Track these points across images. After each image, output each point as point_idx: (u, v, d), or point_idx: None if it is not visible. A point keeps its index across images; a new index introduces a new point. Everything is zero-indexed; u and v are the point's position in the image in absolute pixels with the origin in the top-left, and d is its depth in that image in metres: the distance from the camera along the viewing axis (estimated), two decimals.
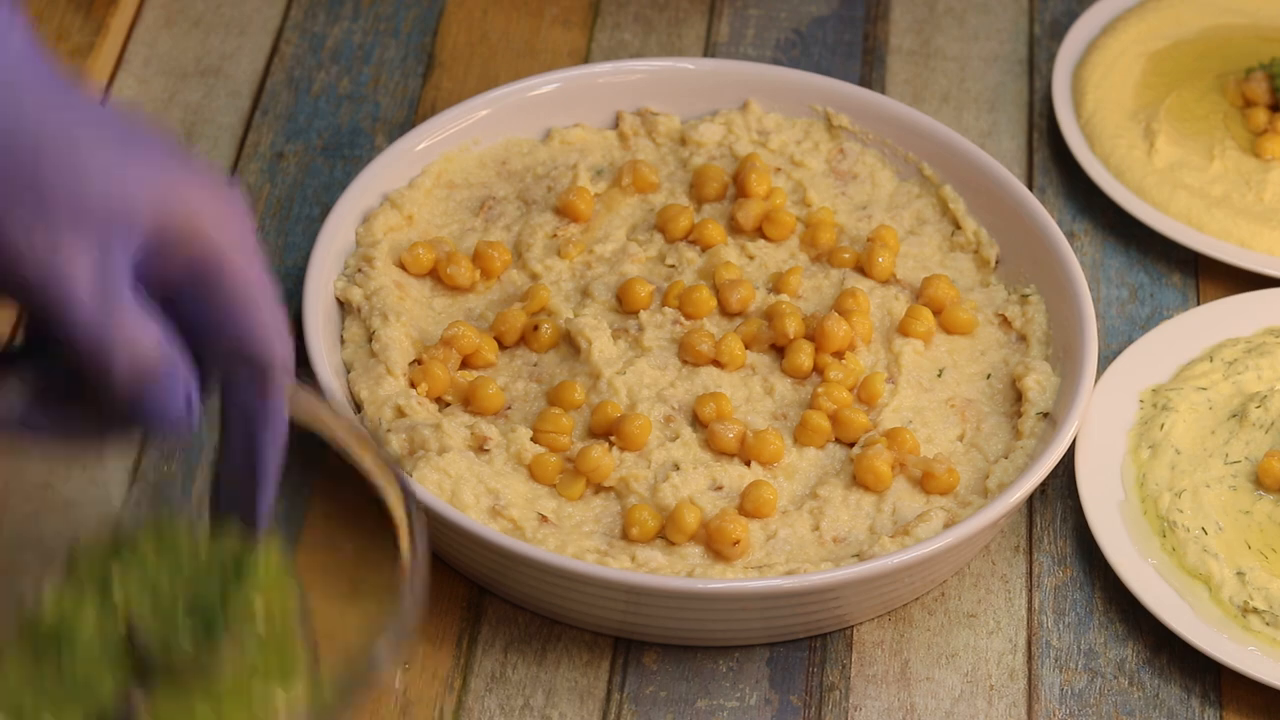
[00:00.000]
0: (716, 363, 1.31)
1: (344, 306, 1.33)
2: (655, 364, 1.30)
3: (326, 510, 1.11)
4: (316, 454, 1.14)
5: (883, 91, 1.54)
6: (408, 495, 1.01)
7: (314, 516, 1.13)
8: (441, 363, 1.29)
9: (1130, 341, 1.37)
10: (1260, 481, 1.28)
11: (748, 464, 1.26)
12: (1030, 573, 1.28)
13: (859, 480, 1.26)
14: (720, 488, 1.25)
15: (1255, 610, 1.23)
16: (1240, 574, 1.24)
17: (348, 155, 1.48)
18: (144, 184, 0.92)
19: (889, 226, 1.38)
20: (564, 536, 1.22)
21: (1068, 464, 1.30)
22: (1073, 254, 1.34)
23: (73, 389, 0.95)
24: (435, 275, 1.35)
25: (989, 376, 1.32)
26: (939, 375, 1.32)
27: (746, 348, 1.31)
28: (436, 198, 1.40)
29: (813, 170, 1.42)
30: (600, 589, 1.19)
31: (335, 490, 1.11)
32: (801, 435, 1.28)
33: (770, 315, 1.32)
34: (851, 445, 1.28)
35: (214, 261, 0.95)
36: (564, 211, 1.39)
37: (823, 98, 1.44)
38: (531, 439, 1.26)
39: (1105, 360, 1.35)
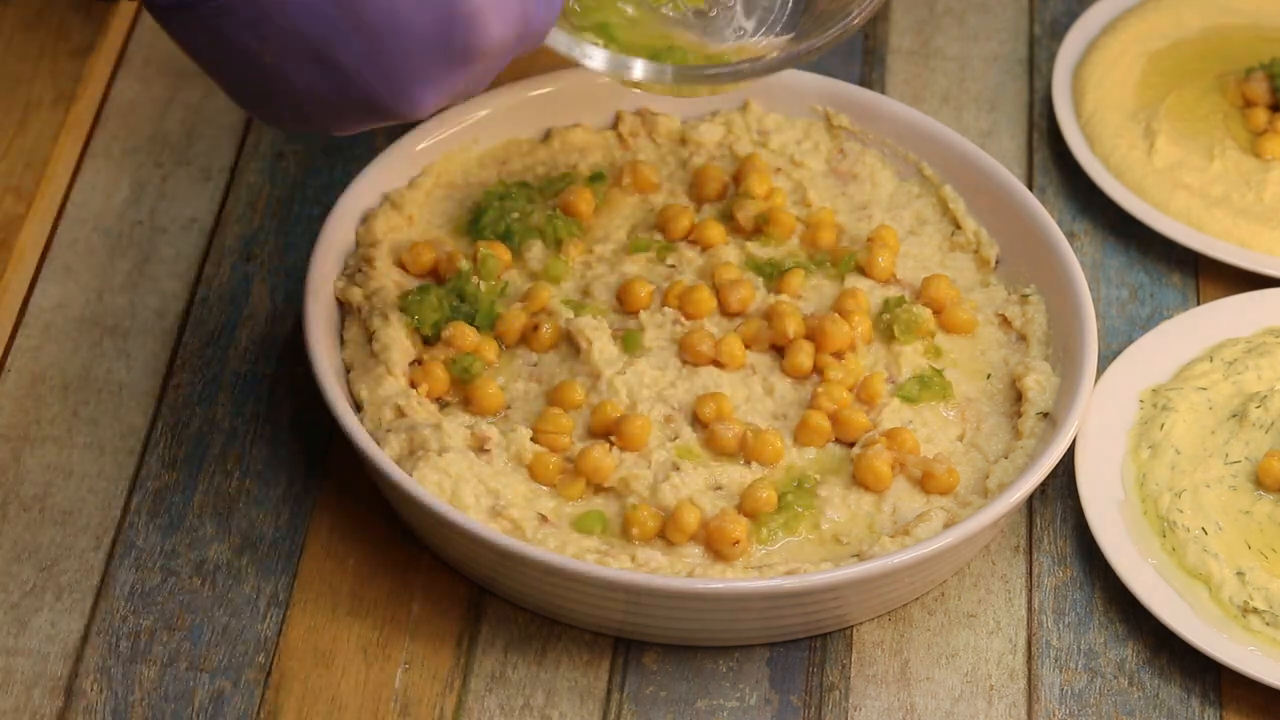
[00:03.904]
0: (716, 363, 1.31)
1: (344, 306, 1.33)
2: (655, 364, 1.30)
3: None
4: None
5: (883, 91, 1.54)
6: None
7: None
8: (442, 363, 1.29)
9: (1130, 341, 1.37)
10: (1260, 481, 1.28)
11: (748, 464, 1.26)
12: (1030, 573, 1.28)
13: (859, 480, 1.26)
14: (720, 488, 1.25)
15: (1255, 610, 1.23)
16: (1240, 574, 1.24)
17: (348, 155, 1.48)
18: None
19: (889, 226, 1.38)
20: (564, 536, 1.22)
21: (1068, 464, 1.30)
22: (1073, 254, 1.34)
23: None
24: (435, 275, 1.35)
25: (989, 376, 1.32)
26: (939, 375, 1.32)
27: (746, 348, 1.31)
28: (436, 198, 1.40)
29: (813, 170, 1.42)
30: (600, 589, 1.19)
31: None
32: (801, 435, 1.28)
33: (770, 315, 1.32)
34: (851, 445, 1.28)
35: None
36: (564, 211, 1.39)
37: (823, 98, 1.44)
38: (531, 439, 1.26)
39: (1105, 360, 1.35)
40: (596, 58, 1.27)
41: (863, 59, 1.56)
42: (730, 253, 1.36)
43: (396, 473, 1.22)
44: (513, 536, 1.21)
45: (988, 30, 1.59)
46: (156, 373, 1.35)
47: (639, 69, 1.28)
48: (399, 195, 1.38)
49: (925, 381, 1.30)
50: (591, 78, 1.44)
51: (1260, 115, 1.48)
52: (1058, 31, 1.58)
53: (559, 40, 1.25)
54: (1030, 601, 1.26)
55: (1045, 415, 1.29)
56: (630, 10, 1.33)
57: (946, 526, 1.23)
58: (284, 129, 1.15)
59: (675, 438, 1.27)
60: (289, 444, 1.32)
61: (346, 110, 1.10)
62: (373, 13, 1.06)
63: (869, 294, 1.35)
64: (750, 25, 1.35)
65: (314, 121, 1.12)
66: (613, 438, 1.27)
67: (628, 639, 1.24)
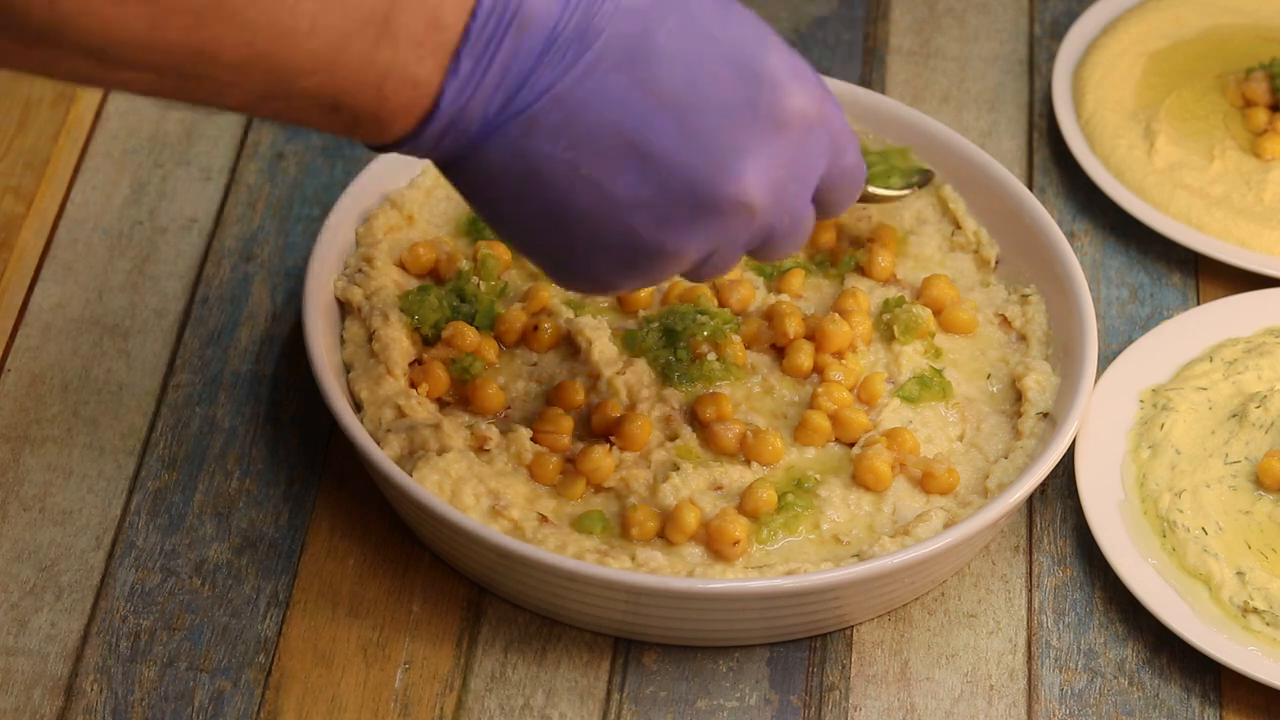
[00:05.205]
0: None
1: (344, 306, 1.33)
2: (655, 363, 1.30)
3: None
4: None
5: (883, 91, 1.54)
6: None
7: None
8: (442, 363, 1.29)
9: (1130, 341, 1.37)
10: (1260, 481, 1.28)
11: (748, 464, 1.26)
12: (1030, 573, 1.28)
13: (859, 480, 1.26)
14: (720, 488, 1.25)
15: (1255, 610, 1.23)
16: (1240, 574, 1.24)
17: (348, 155, 1.48)
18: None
19: (889, 226, 1.38)
20: (564, 536, 1.22)
21: (1068, 464, 1.30)
22: (1073, 254, 1.34)
23: None
24: (435, 275, 1.35)
25: (989, 376, 1.32)
26: (939, 375, 1.32)
27: (746, 348, 1.31)
28: (436, 198, 1.40)
29: None
30: (600, 589, 1.19)
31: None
32: (801, 435, 1.28)
33: (770, 315, 1.32)
34: (851, 445, 1.28)
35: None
36: None
37: None
38: (531, 439, 1.26)
39: (1105, 360, 1.35)
40: None
41: (863, 59, 1.56)
42: None
43: (396, 473, 1.21)
44: (513, 536, 1.21)
45: (988, 30, 1.59)
46: (156, 373, 1.35)
47: None
48: (399, 195, 1.38)
49: (925, 381, 1.30)
50: None
51: (1260, 115, 1.48)
52: (1058, 31, 1.58)
53: None
54: (1030, 601, 1.26)
55: (1045, 415, 1.29)
56: None
57: (946, 526, 1.23)
58: (606, 281, 1.08)
59: (675, 438, 1.27)
60: (289, 444, 1.32)
61: (671, 209, 1.04)
62: (675, 84, 1.02)
63: (869, 294, 1.35)
64: None
65: (640, 242, 1.05)
66: (612, 438, 1.27)
67: (628, 639, 1.24)
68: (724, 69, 1.03)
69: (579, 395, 1.28)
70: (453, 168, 1.04)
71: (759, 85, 1.04)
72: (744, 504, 1.24)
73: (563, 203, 1.03)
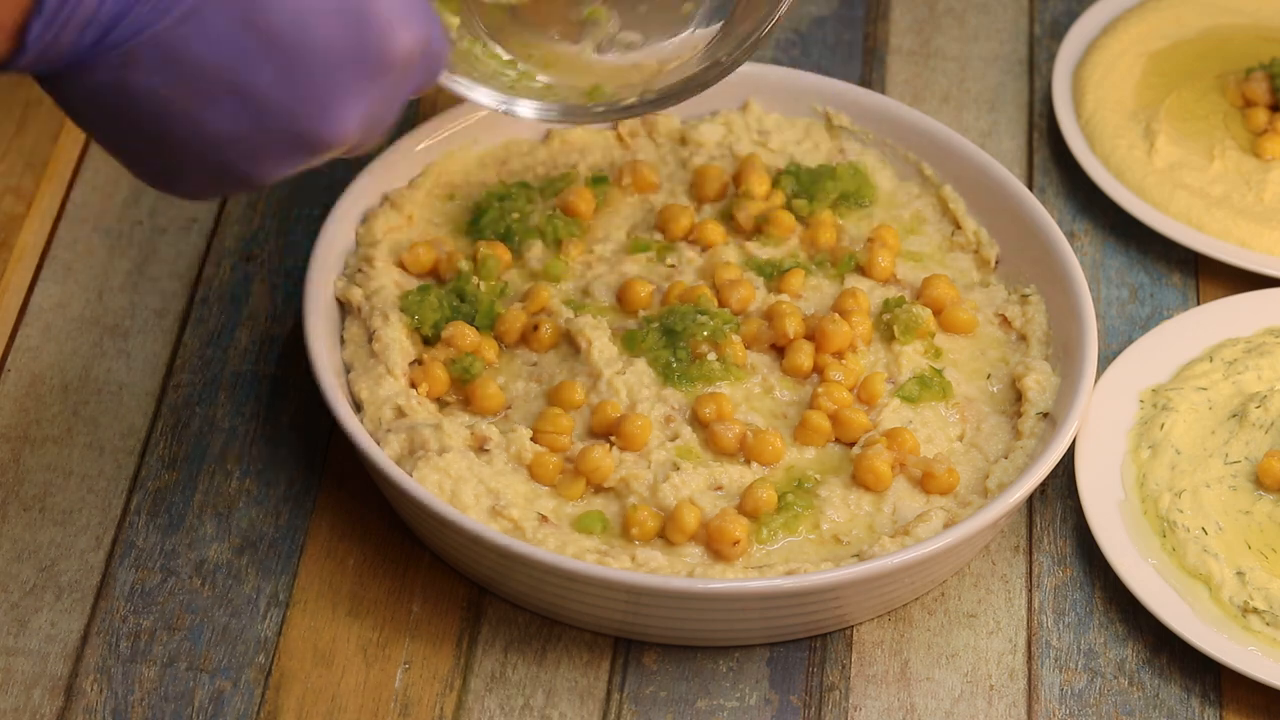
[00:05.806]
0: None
1: (344, 306, 1.33)
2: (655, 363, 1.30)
3: None
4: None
5: (883, 91, 1.54)
6: None
7: None
8: (442, 363, 1.29)
9: (1130, 341, 1.37)
10: (1260, 481, 1.28)
11: (748, 464, 1.26)
12: (1030, 573, 1.28)
13: (859, 480, 1.26)
14: (720, 488, 1.25)
15: (1255, 610, 1.23)
16: (1240, 574, 1.24)
17: (347, 156, 1.48)
18: None
19: (889, 226, 1.38)
20: (564, 536, 1.22)
21: (1068, 464, 1.30)
22: (1073, 254, 1.34)
23: None
24: (435, 275, 1.35)
25: (989, 376, 1.32)
26: (939, 375, 1.32)
27: (747, 348, 1.31)
28: (436, 198, 1.40)
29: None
30: (600, 589, 1.19)
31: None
32: (801, 435, 1.28)
33: (770, 315, 1.32)
34: (851, 445, 1.28)
35: None
36: (564, 211, 1.39)
37: (823, 98, 1.44)
38: (531, 439, 1.26)
39: (1105, 360, 1.35)
40: (485, 96, 1.27)
41: (863, 59, 1.56)
42: (730, 253, 1.36)
43: (396, 473, 1.22)
44: (513, 536, 1.21)
45: (988, 30, 1.59)
46: (156, 373, 1.36)
47: (524, 109, 1.28)
48: (399, 195, 1.38)
49: (925, 381, 1.30)
50: None
51: (1260, 115, 1.48)
52: (1058, 31, 1.58)
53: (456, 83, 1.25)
54: (1030, 601, 1.26)
55: (1045, 415, 1.29)
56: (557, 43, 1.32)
57: (946, 526, 1.23)
58: (199, 194, 1.10)
59: (675, 438, 1.27)
60: (289, 444, 1.32)
61: (267, 146, 1.05)
62: (281, 28, 1.02)
63: (869, 294, 1.35)
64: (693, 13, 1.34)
65: (232, 171, 1.06)
66: (613, 438, 1.27)
67: (628, 639, 1.24)
68: (332, 11, 1.03)
69: (579, 395, 1.28)
70: (49, 86, 1.05)
71: (366, 28, 1.04)
72: (744, 504, 1.24)
73: (159, 131, 1.04)
